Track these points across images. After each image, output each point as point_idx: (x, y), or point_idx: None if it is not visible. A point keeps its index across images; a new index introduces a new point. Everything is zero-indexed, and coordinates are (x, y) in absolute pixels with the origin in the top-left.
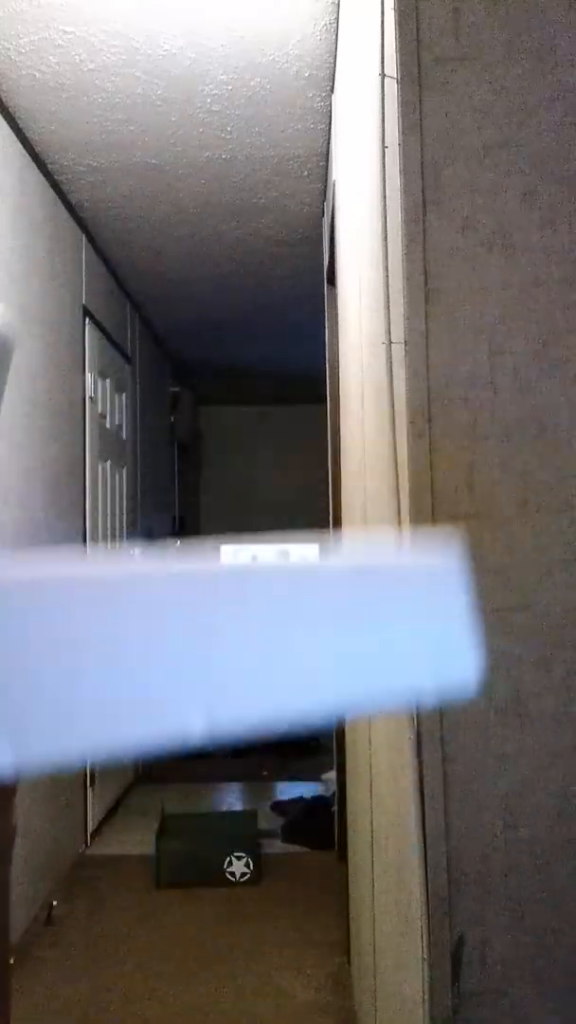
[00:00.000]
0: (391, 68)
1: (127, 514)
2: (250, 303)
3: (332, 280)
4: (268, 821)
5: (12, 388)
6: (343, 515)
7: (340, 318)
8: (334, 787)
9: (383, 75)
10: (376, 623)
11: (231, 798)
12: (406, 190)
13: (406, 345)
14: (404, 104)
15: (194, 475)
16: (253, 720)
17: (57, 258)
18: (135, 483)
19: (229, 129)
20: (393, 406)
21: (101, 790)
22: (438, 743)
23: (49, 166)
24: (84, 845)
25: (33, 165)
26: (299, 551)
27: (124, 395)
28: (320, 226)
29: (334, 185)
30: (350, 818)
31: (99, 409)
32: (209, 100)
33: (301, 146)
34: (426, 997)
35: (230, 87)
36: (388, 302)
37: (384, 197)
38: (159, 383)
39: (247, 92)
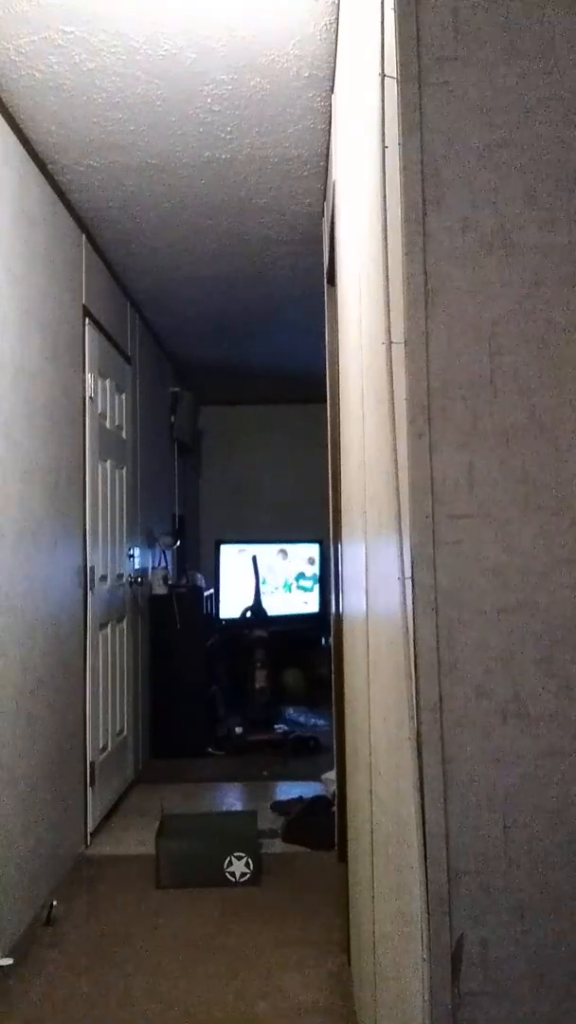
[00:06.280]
0: (391, 68)
1: (127, 514)
2: (250, 303)
3: (332, 280)
4: (268, 821)
5: (12, 388)
6: (343, 515)
7: (340, 318)
8: (334, 787)
9: (383, 75)
10: None
11: (231, 798)
12: (406, 190)
13: (406, 345)
14: (404, 104)
15: (194, 475)
16: None
17: (57, 258)
18: (135, 483)
19: (229, 129)
20: (393, 406)
21: (101, 790)
22: (438, 743)
23: (49, 166)
24: (84, 845)
25: (33, 165)
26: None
27: (124, 395)
28: (320, 226)
29: (334, 185)
30: (350, 818)
31: (99, 409)
32: (209, 100)
33: (301, 146)
34: (426, 997)
35: (230, 87)
36: (388, 302)
37: (384, 197)
38: (159, 383)
39: (247, 92)
